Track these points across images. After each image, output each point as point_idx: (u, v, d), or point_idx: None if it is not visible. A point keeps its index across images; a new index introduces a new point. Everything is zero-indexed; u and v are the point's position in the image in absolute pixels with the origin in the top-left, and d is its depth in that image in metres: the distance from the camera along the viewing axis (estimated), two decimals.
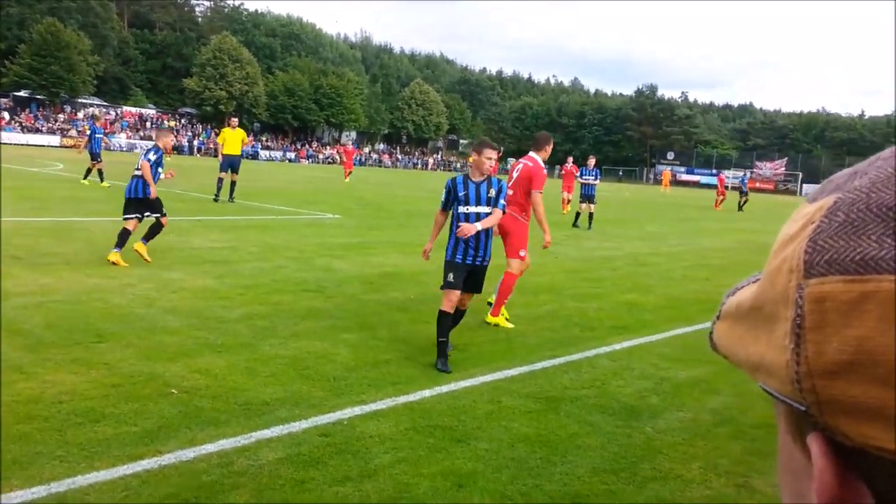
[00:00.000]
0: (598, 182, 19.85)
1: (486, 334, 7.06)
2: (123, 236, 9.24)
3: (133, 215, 9.46)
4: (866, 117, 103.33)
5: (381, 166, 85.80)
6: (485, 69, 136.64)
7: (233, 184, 19.40)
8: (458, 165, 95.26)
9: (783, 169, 79.34)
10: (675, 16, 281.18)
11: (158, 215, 9.65)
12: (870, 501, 0.31)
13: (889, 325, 0.28)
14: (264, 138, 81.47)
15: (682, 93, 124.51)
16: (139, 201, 9.51)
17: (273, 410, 4.69)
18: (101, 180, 21.65)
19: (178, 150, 63.86)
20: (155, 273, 8.78)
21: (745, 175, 40.92)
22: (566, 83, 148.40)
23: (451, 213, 6.19)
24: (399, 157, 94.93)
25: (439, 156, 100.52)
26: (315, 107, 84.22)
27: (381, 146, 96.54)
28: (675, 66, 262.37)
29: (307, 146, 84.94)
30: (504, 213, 6.29)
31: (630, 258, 13.92)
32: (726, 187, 37.48)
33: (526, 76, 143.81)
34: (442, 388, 5.37)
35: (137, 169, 9.58)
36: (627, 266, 12.75)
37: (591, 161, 20.42)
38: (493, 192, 6.09)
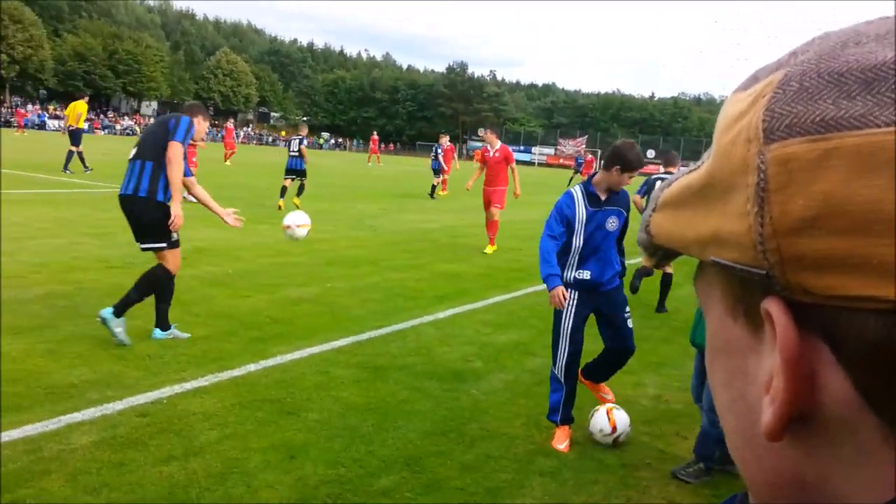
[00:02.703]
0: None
1: (310, 307, 6.94)
2: None
3: None
4: (656, 98, 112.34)
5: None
6: (296, 40, 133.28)
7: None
8: (270, 139, 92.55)
9: (584, 146, 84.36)
10: None
11: None
12: (827, 357, 0.33)
13: (853, 177, 0.30)
14: (52, 107, 74.45)
15: (491, 71, 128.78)
16: None
17: (82, 393, 4.34)
18: None
19: None
20: None
21: (580, 154, 41.56)
22: (378, 58, 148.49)
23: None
24: (207, 129, 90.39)
25: (250, 128, 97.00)
26: (110, 74, 78.12)
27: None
28: (481, 45, 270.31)
29: (102, 116, 78.71)
30: None
31: (447, 230, 14.24)
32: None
33: (338, 49, 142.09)
34: (268, 361, 5.22)
35: None
36: (445, 238, 13.04)
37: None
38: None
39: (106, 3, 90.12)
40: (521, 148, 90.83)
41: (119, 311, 5.30)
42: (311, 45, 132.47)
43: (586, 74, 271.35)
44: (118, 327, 5.29)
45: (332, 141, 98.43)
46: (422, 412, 4.56)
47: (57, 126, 66.18)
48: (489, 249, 11.68)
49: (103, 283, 7.16)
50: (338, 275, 8.61)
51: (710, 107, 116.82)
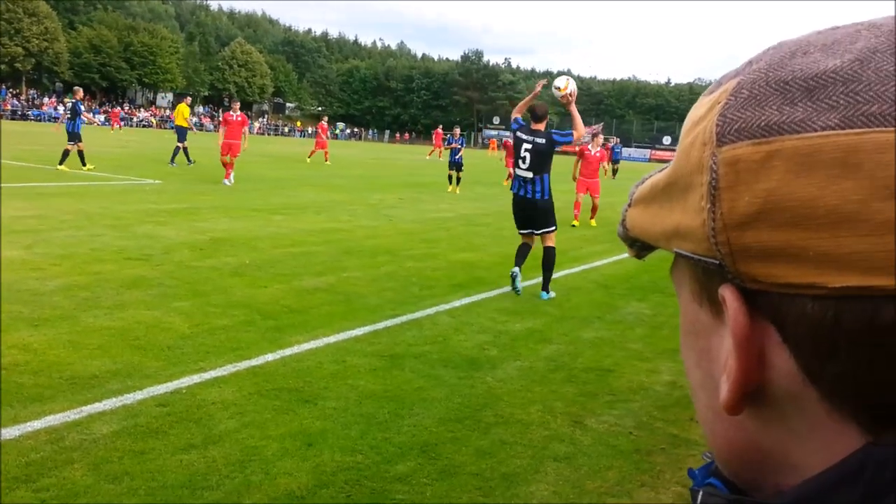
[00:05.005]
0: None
1: (326, 297, 7.00)
2: None
3: None
4: (672, 84, 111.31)
5: (202, 130, 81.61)
6: (310, 30, 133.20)
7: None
8: (286, 130, 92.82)
9: (601, 133, 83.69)
10: None
11: None
12: (775, 338, 0.36)
13: (792, 177, 0.34)
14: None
15: (506, 59, 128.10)
16: None
17: (103, 383, 4.41)
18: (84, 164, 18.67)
19: None
20: None
21: (616, 143, 39.93)
22: (393, 46, 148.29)
23: None
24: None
25: (265, 119, 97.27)
26: (125, 65, 78.58)
27: (202, 109, 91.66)
28: (497, 32, 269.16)
29: (119, 108, 79.20)
30: None
31: (463, 219, 14.27)
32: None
33: (352, 38, 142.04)
34: (285, 351, 5.28)
35: None
36: (461, 226, 13.08)
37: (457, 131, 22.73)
38: None
39: None
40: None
41: (546, 286, 7.70)
42: (325, 34, 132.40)
43: (602, 61, 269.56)
44: (548, 294, 7.67)
45: (348, 131, 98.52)
46: (437, 399, 4.60)
47: None
48: (593, 223, 14.74)
49: (122, 273, 7.25)
50: (354, 264, 8.66)
51: None
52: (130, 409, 4.09)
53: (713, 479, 0.44)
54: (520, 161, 7.59)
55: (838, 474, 0.34)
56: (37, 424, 3.78)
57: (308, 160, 30.13)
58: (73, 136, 18.59)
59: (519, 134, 7.67)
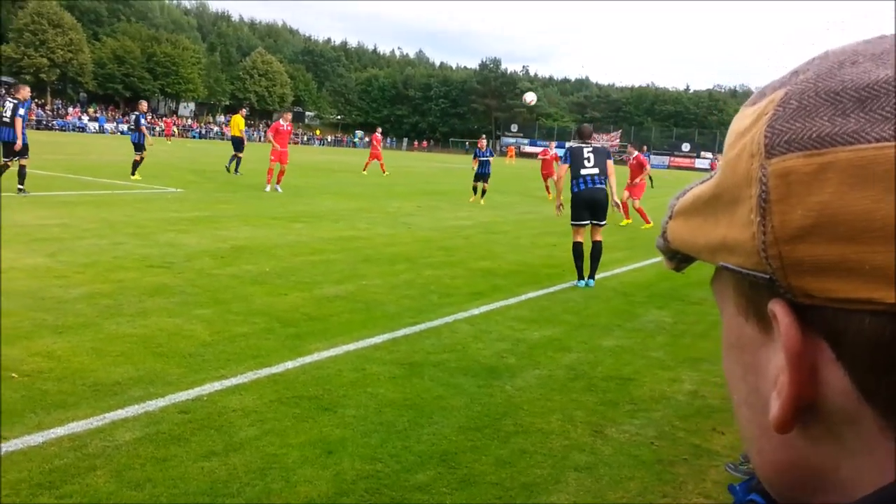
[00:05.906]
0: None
1: (346, 304, 7.02)
2: None
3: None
4: (691, 91, 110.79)
5: (223, 139, 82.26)
6: (329, 39, 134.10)
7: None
8: (305, 138, 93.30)
9: (618, 141, 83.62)
10: None
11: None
12: (828, 354, 0.35)
13: (846, 189, 0.33)
14: (92, 109, 75.92)
15: (524, 66, 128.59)
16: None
17: (126, 390, 4.45)
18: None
19: None
20: None
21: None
22: (411, 55, 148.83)
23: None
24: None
25: None
26: (148, 76, 79.44)
27: (223, 118, 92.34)
28: (515, 40, 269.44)
29: (169, 119, 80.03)
30: None
31: (481, 227, 14.27)
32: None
33: (371, 47, 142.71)
34: (305, 358, 5.30)
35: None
36: (479, 234, 13.07)
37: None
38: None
39: (143, 7, 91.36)
40: (556, 143, 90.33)
41: (593, 274, 8.85)
42: (344, 43, 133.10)
43: (620, 68, 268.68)
44: (592, 281, 8.82)
45: (367, 139, 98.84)
46: (456, 408, 4.59)
47: (97, 128, 67.50)
48: (624, 222, 16.14)
49: (144, 281, 7.31)
50: (374, 272, 8.68)
51: (746, 99, 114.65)
52: (152, 416, 4.12)
53: (755, 496, 0.43)
54: (584, 161, 8.81)
55: (892, 493, 0.33)
56: (60, 431, 3.82)
57: (364, 172, 29.77)
58: (139, 147, 19.52)
59: (575, 147, 8.98)
